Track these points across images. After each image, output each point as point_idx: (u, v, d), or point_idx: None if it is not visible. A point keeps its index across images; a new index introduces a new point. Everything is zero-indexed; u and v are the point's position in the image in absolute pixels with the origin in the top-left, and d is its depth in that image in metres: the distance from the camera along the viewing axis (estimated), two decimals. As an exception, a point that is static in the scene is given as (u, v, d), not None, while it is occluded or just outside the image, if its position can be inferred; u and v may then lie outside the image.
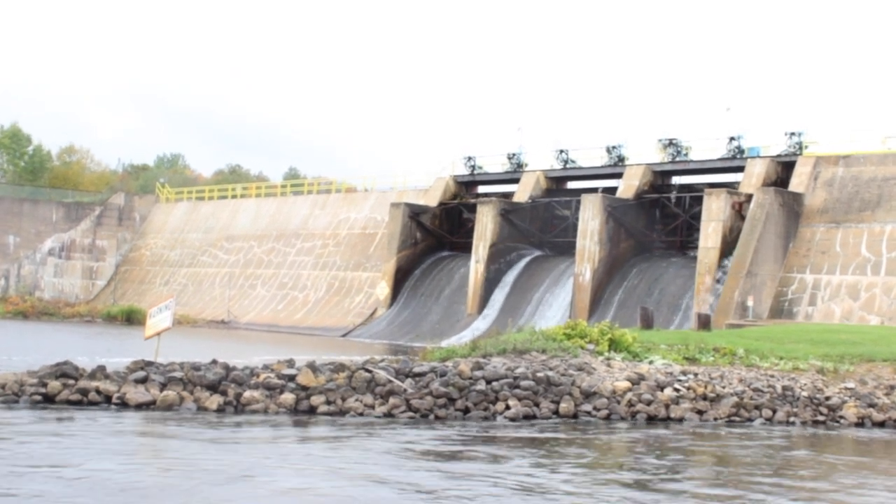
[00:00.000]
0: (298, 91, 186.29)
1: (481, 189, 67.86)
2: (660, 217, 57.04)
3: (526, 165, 63.99)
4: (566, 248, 58.13)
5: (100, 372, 20.50)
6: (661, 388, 22.93)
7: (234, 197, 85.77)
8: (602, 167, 60.05)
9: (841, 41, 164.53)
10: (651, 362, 25.12)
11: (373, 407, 20.45)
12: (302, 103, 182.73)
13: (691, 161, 56.19)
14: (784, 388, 23.72)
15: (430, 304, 60.99)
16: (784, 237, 48.09)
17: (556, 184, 62.99)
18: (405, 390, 20.98)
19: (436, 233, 65.09)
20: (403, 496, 12.61)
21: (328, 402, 20.40)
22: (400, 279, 63.01)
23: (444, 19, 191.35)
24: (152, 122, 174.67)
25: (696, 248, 50.83)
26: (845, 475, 15.87)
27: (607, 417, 21.61)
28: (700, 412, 22.40)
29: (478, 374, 21.89)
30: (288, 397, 20.30)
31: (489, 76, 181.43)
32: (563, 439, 18.42)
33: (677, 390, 22.90)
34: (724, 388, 23.41)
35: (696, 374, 24.08)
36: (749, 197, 49.27)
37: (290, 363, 22.13)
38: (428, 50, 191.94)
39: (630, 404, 22.09)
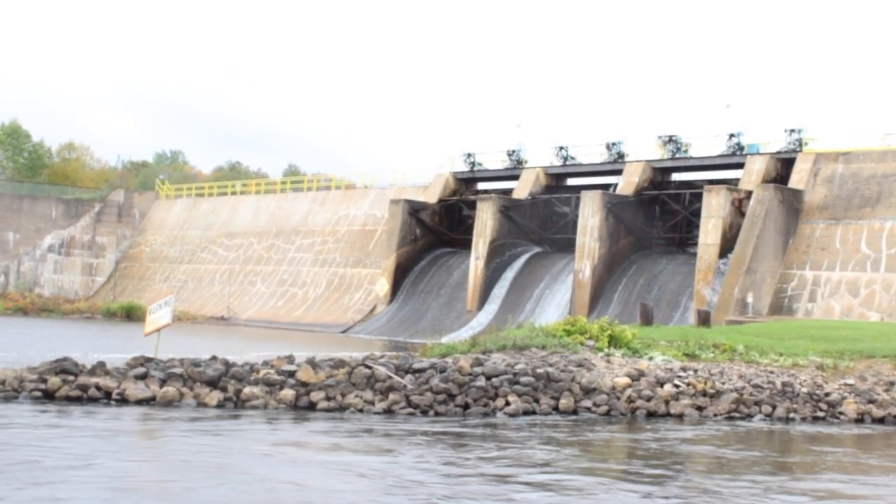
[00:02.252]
0: (298, 88, 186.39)
1: (481, 186, 67.82)
2: (659, 214, 57.04)
3: (525, 162, 63.95)
4: (566, 245, 58.12)
5: (99, 368, 20.51)
6: (661, 385, 22.95)
7: (233, 194, 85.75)
8: (602, 164, 60.03)
9: (841, 38, 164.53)
10: (651, 358, 25.13)
11: (372, 403, 20.46)
12: (302, 100, 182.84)
13: (691, 158, 56.16)
14: (784, 384, 23.73)
15: (430, 301, 60.99)
16: (784, 234, 48.08)
17: (555, 180, 62.98)
18: (405, 386, 20.98)
19: (435, 229, 65.07)
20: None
21: (328, 399, 20.41)
22: (399, 276, 63.01)
23: (443, 16, 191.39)
24: (152, 119, 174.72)
25: (695, 244, 50.82)
26: (708, 474, 15.53)
27: (607, 413, 21.62)
28: (700, 408, 22.41)
29: (477, 370, 21.91)
30: (288, 393, 20.31)
31: (489, 73, 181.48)
32: (476, 434, 18.25)
33: (677, 386, 22.92)
34: (723, 384, 23.41)
35: (695, 371, 24.09)
36: (749, 194, 49.25)
37: (290, 359, 22.14)
38: (427, 47, 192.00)
39: (630, 400, 22.10)
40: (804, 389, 23.68)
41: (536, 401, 21.50)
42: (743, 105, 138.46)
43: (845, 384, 24.42)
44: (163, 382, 20.17)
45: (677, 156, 56.33)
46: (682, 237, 56.19)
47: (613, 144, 59.28)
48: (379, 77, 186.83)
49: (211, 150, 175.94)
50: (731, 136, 54.31)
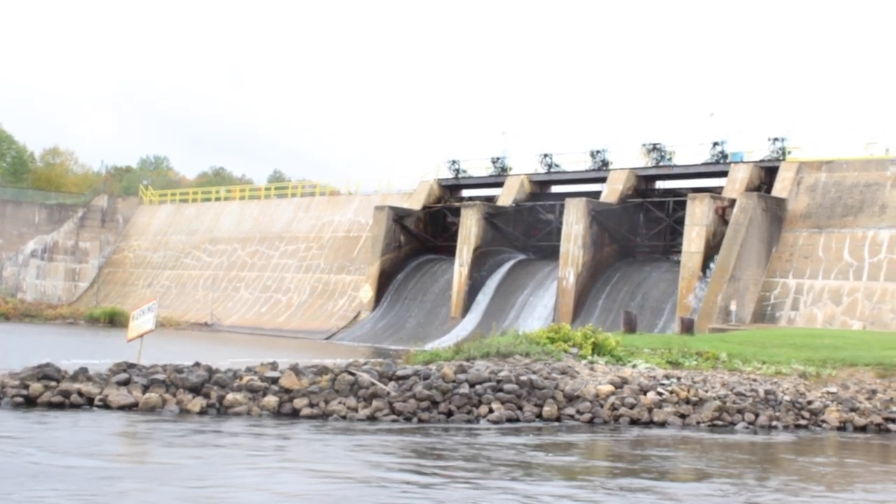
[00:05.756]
0: (282, 94, 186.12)
1: (465, 193, 67.84)
2: (643, 221, 57.14)
3: (510, 169, 64.02)
4: (550, 252, 58.16)
5: (82, 374, 20.41)
6: (644, 392, 22.97)
7: (217, 199, 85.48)
8: (586, 171, 60.12)
9: (825, 48, 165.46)
10: (634, 366, 25.17)
11: (356, 410, 20.42)
12: (286, 106, 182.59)
13: (675, 166, 56.33)
14: (767, 392, 23.79)
15: (414, 308, 60.94)
16: (767, 242, 48.25)
17: (540, 188, 63.06)
18: (388, 393, 20.96)
19: (420, 236, 65.05)
20: None
21: (311, 405, 20.37)
22: (384, 282, 62.95)
23: (428, 23, 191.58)
24: (136, 125, 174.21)
25: (679, 252, 50.91)
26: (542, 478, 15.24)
27: (590, 421, 21.63)
28: (683, 416, 22.44)
29: (461, 377, 21.89)
30: (271, 400, 20.25)
31: (474, 80, 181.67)
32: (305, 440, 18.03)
33: (660, 394, 22.94)
34: (706, 392, 23.46)
35: (678, 378, 24.12)
36: (732, 202, 49.42)
37: (274, 366, 22.09)
38: (413, 54, 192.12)
39: (613, 408, 22.12)
40: (787, 397, 23.75)
41: (520, 408, 21.50)
42: (727, 113, 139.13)
43: (828, 392, 24.50)
44: (145, 388, 20.09)
45: (661, 164, 56.49)
46: (666, 245, 56.30)
47: (598, 152, 59.40)
48: (364, 84, 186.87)
49: (195, 156, 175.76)
50: (715, 144, 54.50)
